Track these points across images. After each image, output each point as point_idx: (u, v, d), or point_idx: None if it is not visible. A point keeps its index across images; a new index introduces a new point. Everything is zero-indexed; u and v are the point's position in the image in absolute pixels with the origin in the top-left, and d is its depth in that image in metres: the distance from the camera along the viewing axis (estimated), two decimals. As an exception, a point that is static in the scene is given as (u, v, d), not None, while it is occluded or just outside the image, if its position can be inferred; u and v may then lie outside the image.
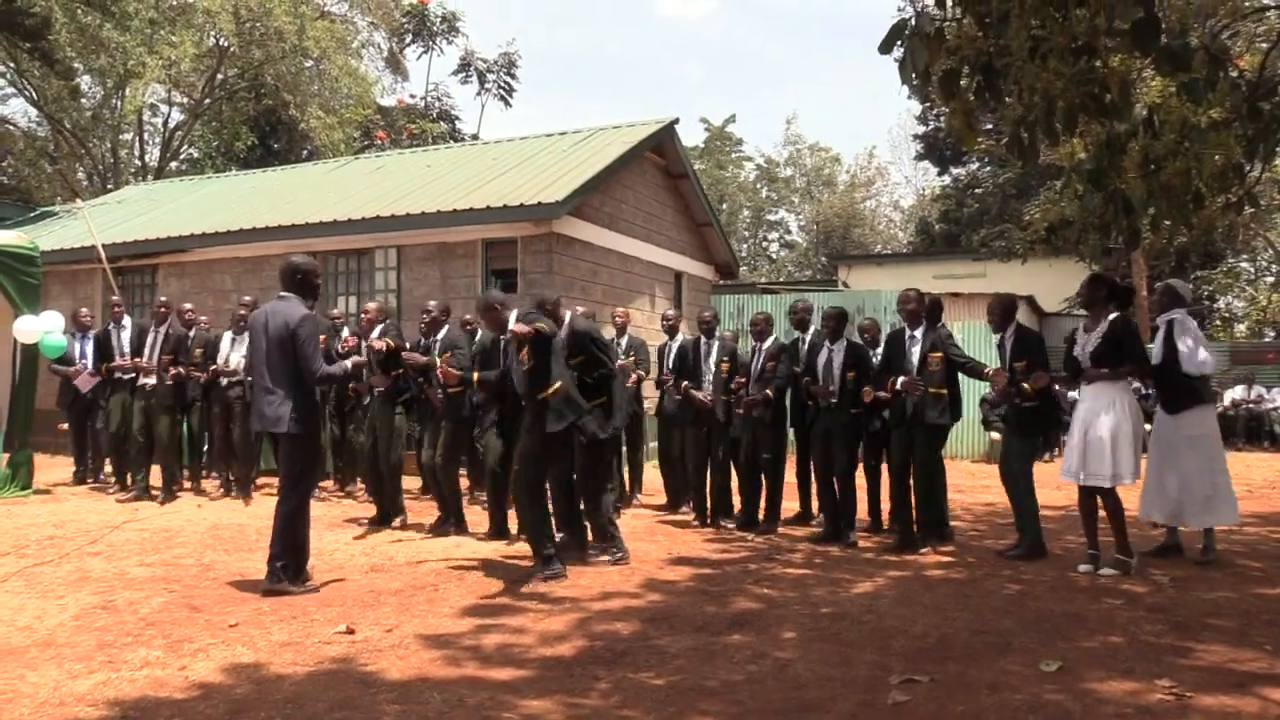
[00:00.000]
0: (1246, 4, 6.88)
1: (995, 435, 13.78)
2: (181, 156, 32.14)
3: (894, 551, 7.11)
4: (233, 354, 9.34)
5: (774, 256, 50.21)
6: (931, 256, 26.88)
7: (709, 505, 8.36)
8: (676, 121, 14.37)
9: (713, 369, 8.27)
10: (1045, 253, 18.69)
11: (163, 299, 10.20)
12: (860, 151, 71.95)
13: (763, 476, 8.08)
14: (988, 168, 29.58)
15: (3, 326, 9.74)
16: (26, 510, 8.85)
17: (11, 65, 28.45)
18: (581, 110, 73.17)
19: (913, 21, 4.46)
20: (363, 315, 8.48)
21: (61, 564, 6.56)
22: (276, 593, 5.59)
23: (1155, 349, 6.70)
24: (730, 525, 8.16)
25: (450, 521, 7.76)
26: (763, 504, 8.13)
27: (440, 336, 7.75)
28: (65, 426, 10.85)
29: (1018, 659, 4.40)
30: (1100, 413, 6.25)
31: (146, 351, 9.42)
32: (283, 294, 5.75)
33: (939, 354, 7.07)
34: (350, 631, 4.85)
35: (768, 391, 7.81)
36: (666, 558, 6.91)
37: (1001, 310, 7.00)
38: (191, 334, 9.55)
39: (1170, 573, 6.33)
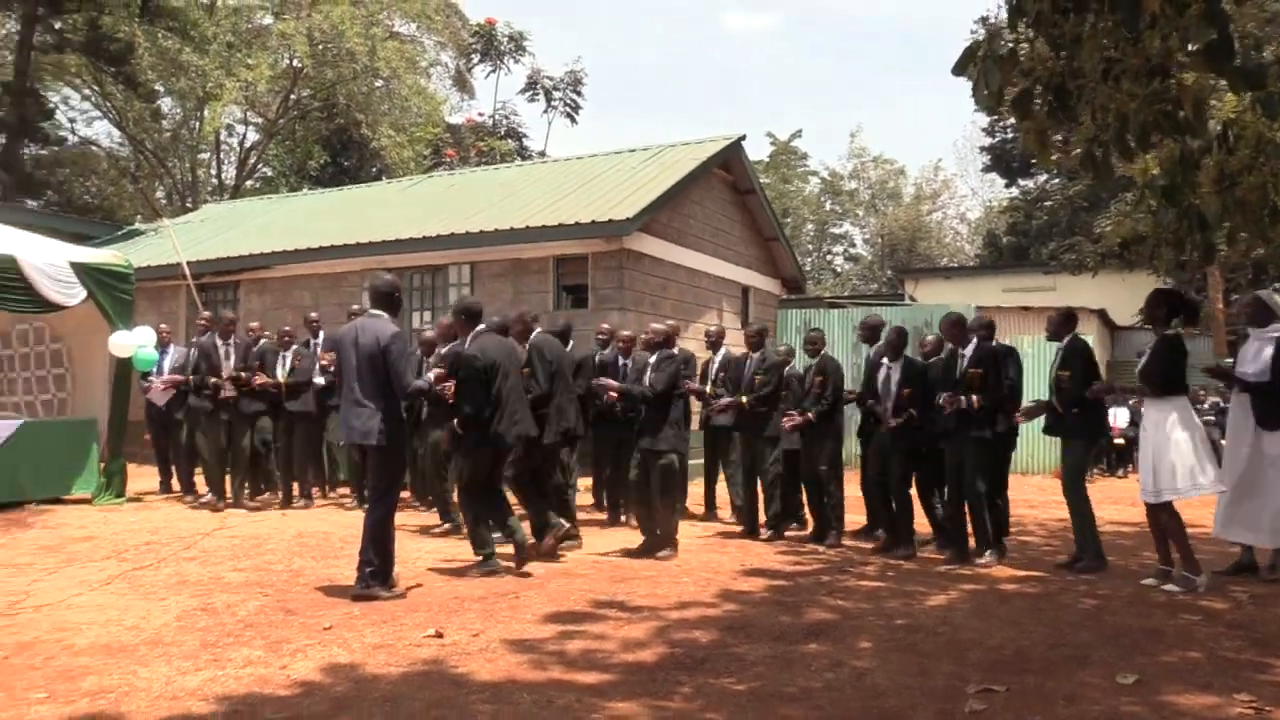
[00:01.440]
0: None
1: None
2: (256, 175, 33.10)
3: (949, 562, 7.18)
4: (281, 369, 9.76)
5: (838, 270, 49.99)
6: (1000, 269, 26.60)
7: (759, 517, 8.55)
8: (744, 138, 14.53)
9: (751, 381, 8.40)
10: (1118, 266, 18.45)
11: (227, 314, 10.57)
12: (926, 164, 71.46)
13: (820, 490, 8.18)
14: (1056, 180, 29.22)
15: (100, 341, 10.18)
16: (122, 517, 9.25)
17: (96, 89, 29.63)
18: (645, 126, 73.71)
19: (986, 44, 4.56)
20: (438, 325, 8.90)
21: (160, 568, 6.88)
22: (366, 597, 5.81)
23: (1251, 360, 6.56)
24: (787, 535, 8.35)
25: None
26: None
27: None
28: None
29: (1095, 672, 4.44)
30: (1161, 429, 6.24)
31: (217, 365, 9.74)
32: (372, 311, 6.01)
33: (980, 370, 7.14)
34: (439, 635, 5.05)
35: (809, 414, 7.86)
36: (739, 569, 7.03)
37: (1059, 321, 7.05)
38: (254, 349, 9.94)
39: (1249, 590, 6.29)
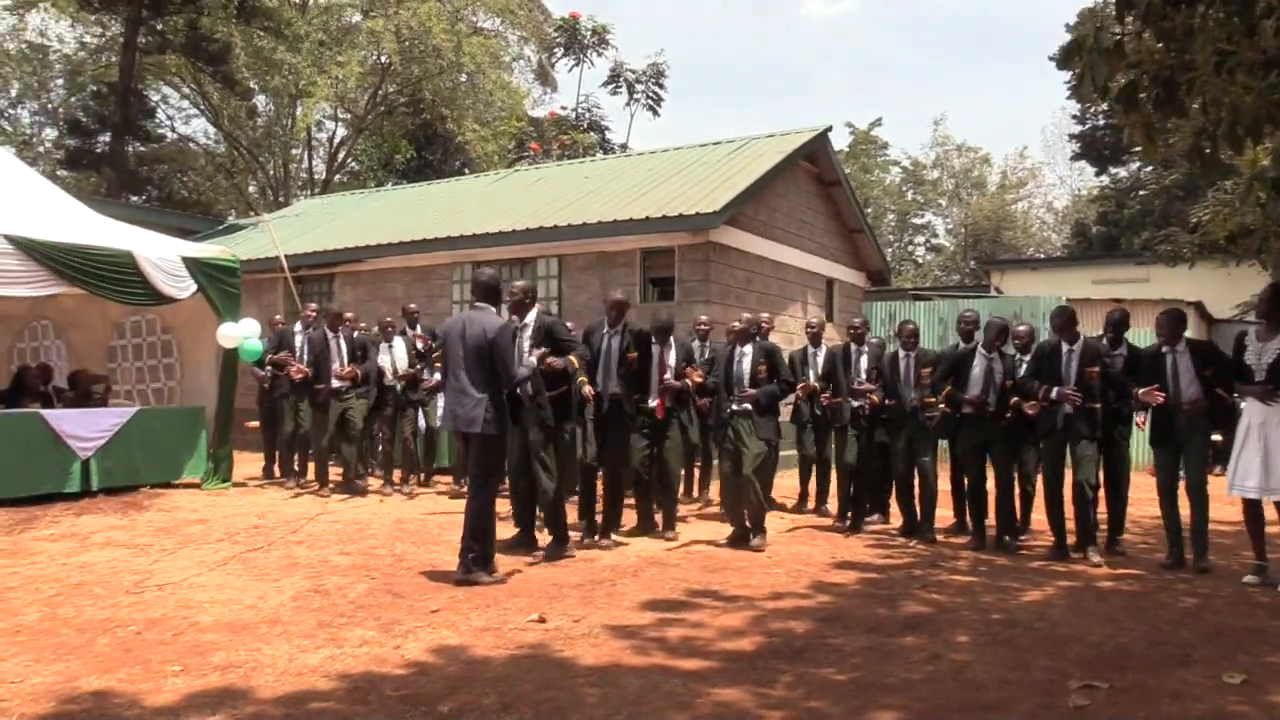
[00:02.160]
0: None
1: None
2: (344, 170, 33.90)
3: (1054, 560, 7.11)
4: (383, 359, 10.03)
5: (920, 261, 49.26)
6: (1090, 260, 25.95)
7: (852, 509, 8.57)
8: (830, 129, 14.48)
9: (863, 376, 8.39)
10: (1215, 257, 17.91)
11: (333, 307, 10.83)
12: (1011, 152, 69.95)
13: (917, 483, 8.16)
14: (1150, 169, 28.41)
15: (206, 332, 10.60)
16: (229, 501, 9.64)
17: (194, 88, 30.66)
18: (724, 115, 73.39)
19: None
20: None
21: (270, 551, 7.18)
22: (469, 582, 6.01)
23: None
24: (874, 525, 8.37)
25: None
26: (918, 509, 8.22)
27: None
28: (254, 424, 11.71)
29: (1198, 670, 4.41)
30: (1274, 425, 6.11)
31: (328, 356, 10.06)
32: (478, 304, 6.22)
33: (1096, 369, 7.04)
34: (542, 620, 5.21)
35: (935, 400, 7.81)
36: (830, 561, 7.08)
37: (1170, 324, 6.87)
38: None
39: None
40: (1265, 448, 6.15)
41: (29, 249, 8.95)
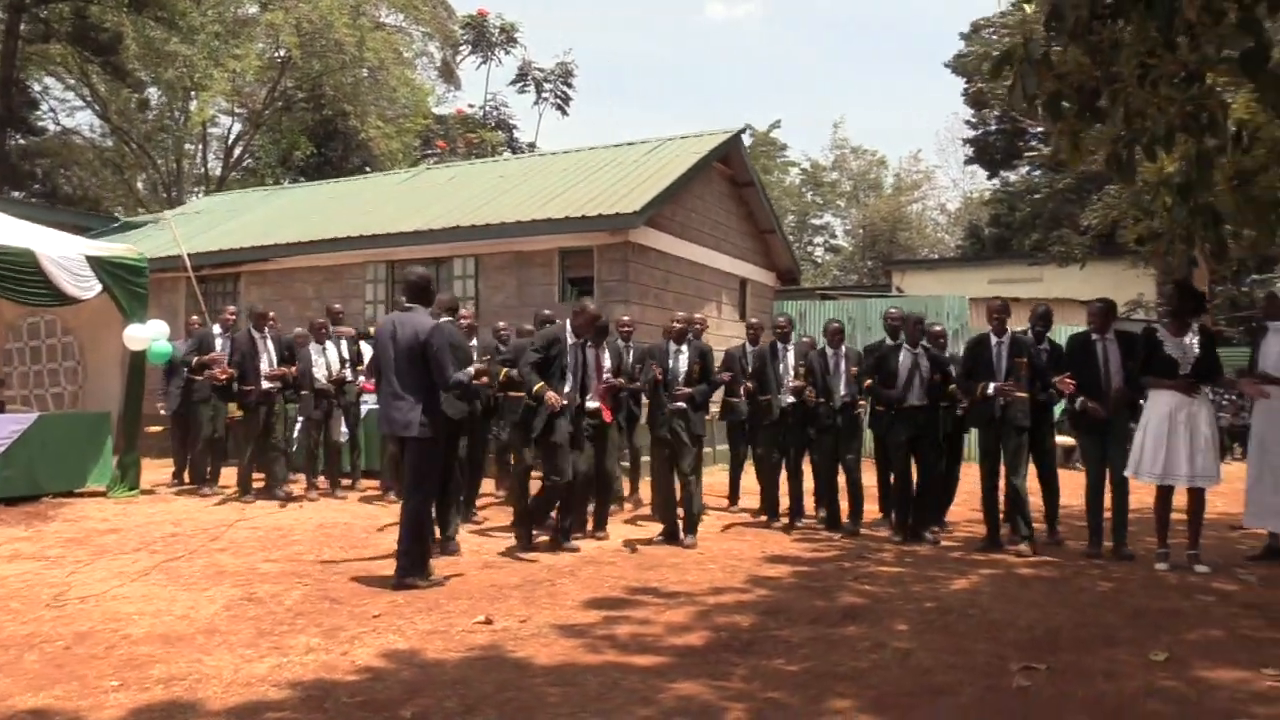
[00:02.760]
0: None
1: (1064, 439, 13.90)
2: (240, 166, 32.94)
3: (982, 551, 7.37)
4: (320, 363, 9.79)
5: (819, 261, 50.24)
6: (985, 261, 26.89)
7: (781, 506, 8.75)
8: (743, 131, 14.69)
9: (790, 374, 8.54)
10: (1103, 258, 18.75)
11: (258, 308, 10.51)
12: (905, 155, 71.90)
13: (843, 478, 8.36)
14: (1037, 171, 29.51)
15: (114, 334, 10.22)
16: (140, 510, 9.31)
17: (80, 79, 29.39)
18: (630, 115, 73.60)
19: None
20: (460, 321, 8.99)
21: (193, 559, 6.96)
22: (406, 586, 5.94)
23: (1275, 353, 6.76)
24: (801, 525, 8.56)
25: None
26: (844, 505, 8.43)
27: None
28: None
29: (1125, 650, 4.65)
30: (1197, 416, 6.45)
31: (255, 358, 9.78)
32: (408, 304, 6.13)
33: (1024, 359, 7.32)
34: (489, 621, 5.20)
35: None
36: (761, 556, 7.22)
37: (1103, 313, 7.20)
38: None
39: (1255, 572, 6.54)
40: (1190, 438, 6.46)
41: (-80, 247, 8.52)
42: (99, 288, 9.77)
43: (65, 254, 9.55)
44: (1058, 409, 8.10)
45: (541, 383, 6.86)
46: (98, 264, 9.77)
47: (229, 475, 10.25)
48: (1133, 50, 4.38)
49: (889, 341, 8.08)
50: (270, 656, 4.61)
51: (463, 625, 5.15)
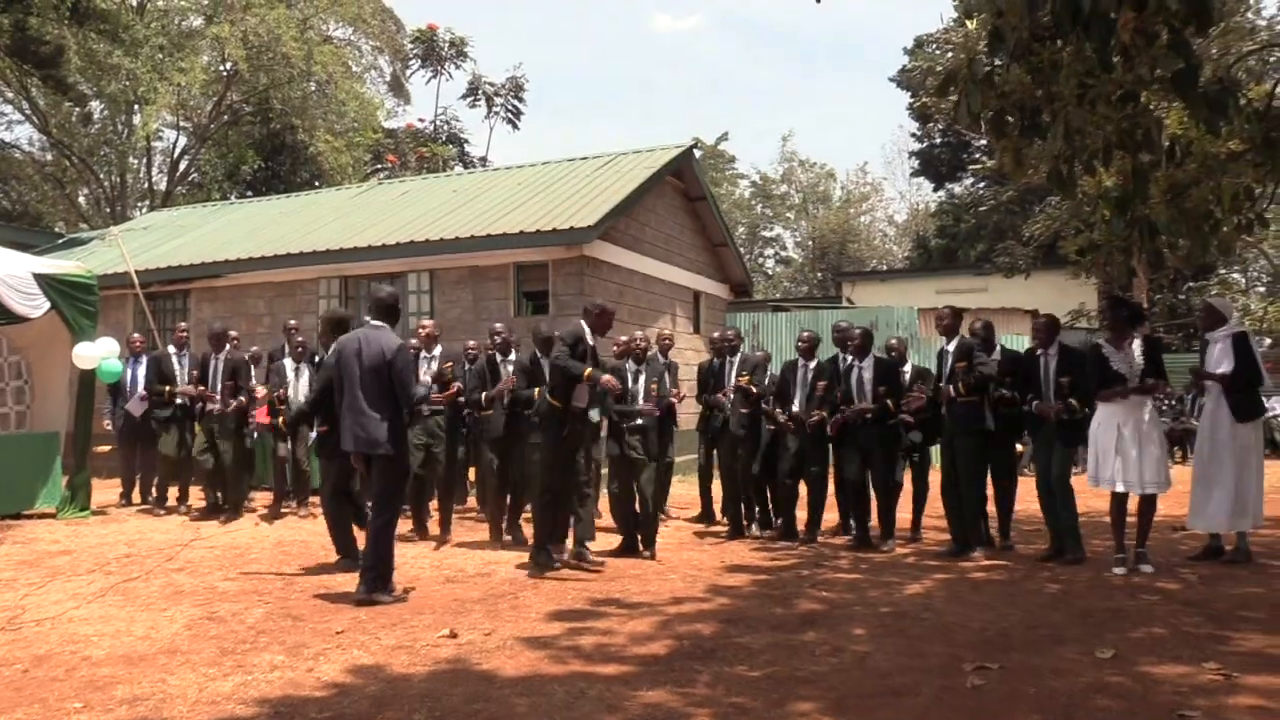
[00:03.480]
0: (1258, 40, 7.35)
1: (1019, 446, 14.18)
2: (186, 181, 32.51)
3: (947, 557, 7.52)
4: (299, 383, 9.68)
5: (770, 272, 50.74)
6: (933, 272, 27.40)
7: (744, 516, 8.87)
8: (695, 146, 14.89)
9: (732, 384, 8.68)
10: (1047, 268, 19.20)
11: (217, 326, 10.41)
12: (853, 167, 72.87)
13: (804, 489, 8.48)
14: (982, 184, 30.16)
15: (62, 353, 10.08)
16: (91, 530, 9.19)
17: (19, 91, 28.82)
18: (578, 129, 73.91)
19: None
20: (420, 330, 9.02)
21: (150, 580, 6.91)
22: (369, 602, 5.96)
23: (1218, 361, 7.00)
24: (763, 535, 8.65)
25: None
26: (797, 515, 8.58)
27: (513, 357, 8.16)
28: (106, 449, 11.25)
29: (1073, 649, 4.81)
30: (1144, 425, 6.68)
31: (211, 378, 9.72)
32: (375, 322, 6.16)
33: (963, 363, 7.51)
34: (453, 635, 5.23)
35: (868, 406, 7.99)
36: (721, 566, 7.33)
37: (1047, 329, 7.39)
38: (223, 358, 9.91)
39: (1196, 571, 6.78)
40: (1140, 446, 6.67)
41: None
42: (48, 306, 9.64)
43: (13, 271, 9.42)
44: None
45: (590, 367, 6.85)
46: (46, 281, 9.64)
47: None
48: (1071, 70, 4.57)
49: (842, 355, 8.25)
50: (235, 675, 4.60)
51: (428, 639, 5.18)
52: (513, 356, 8.46)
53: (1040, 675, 4.37)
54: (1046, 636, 5.07)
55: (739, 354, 8.90)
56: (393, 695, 4.25)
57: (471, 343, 9.72)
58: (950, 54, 17.46)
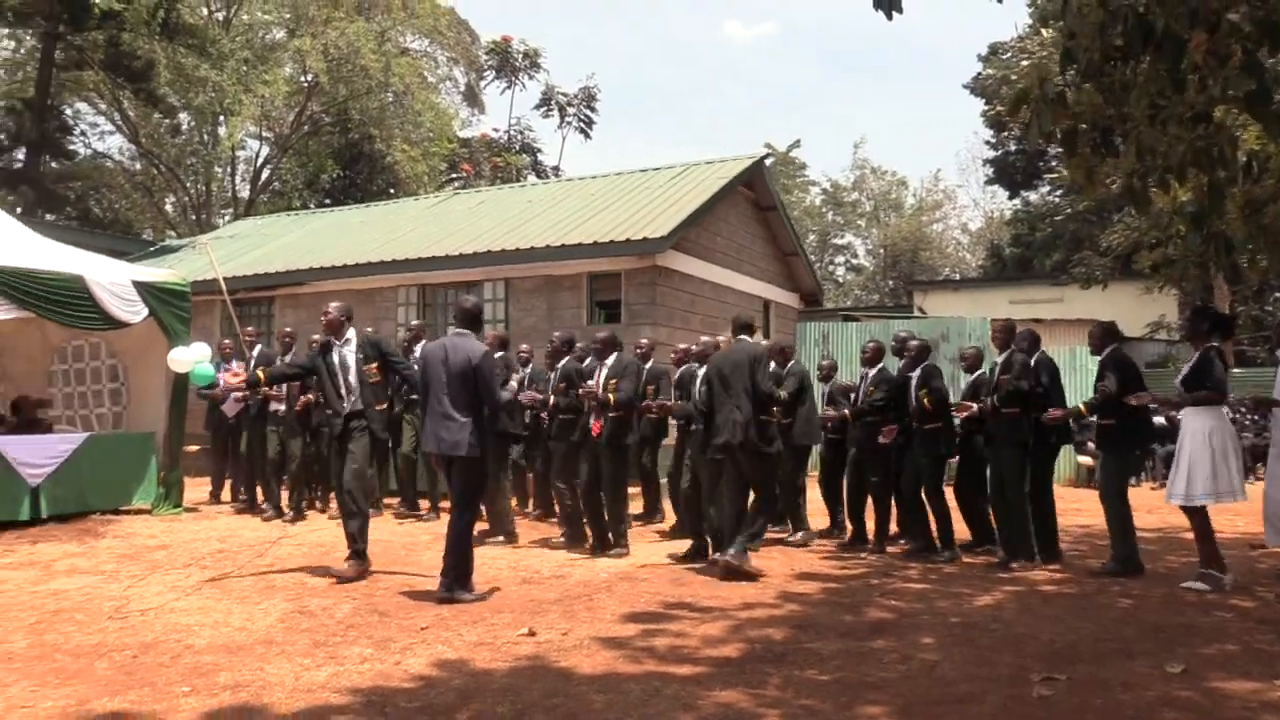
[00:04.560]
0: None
1: (1085, 459, 14.07)
2: (269, 189, 33.50)
3: (999, 568, 7.56)
4: None
5: (840, 280, 50.45)
6: (1007, 281, 27.06)
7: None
8: (767, 156, 15.06)
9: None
10: (1126, 279, 18.85)
11: (288, 329, 10.85)
12: (926, 175, 72.10)
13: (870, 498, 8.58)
14: (1059, 193, 29.69)
15: (158, 357, 10.54)
16: (185, 527, 9.62)
17: (113, 104, 30.01)
18: (649, 137, 74.26)
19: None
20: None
21: (243, 574, 7.26)
22: (450, 600, 6.21)
23: None
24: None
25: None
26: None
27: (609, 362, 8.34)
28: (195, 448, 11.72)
29: (1143, 663, 4.85)
30: (1199, 437, 6.64)
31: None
32: (459, 330, 6.45)
33: (1006, 376, 7.54)
34: (532, 634, 5.45)
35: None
36: (791, 573, 7.45)
37: (1101, 334, 7.44)
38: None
39: (1274, 589, 6.71)
40: (1190, 458, 6.64)
41: (-22, 274, 8.88)
42: (146, 312, 10.12)
43: (114, 279, 9.91)
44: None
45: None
46: (144, 289, 10.13)
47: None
48: (1143, 91, 4.63)
49: (902, 365, 8.35)
50: (327, 665, 4.87)
51: (507, 637, 5.40)
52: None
53: (1108, 688, 4.43)
54: (1116, 650, 5.11)
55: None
56: (476, 689, 4.46)
57: (524, 347, 10.05)
58: (1025, 63, 17.29)
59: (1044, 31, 12.16)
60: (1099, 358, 7.43)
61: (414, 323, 11.07)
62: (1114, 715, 4.07)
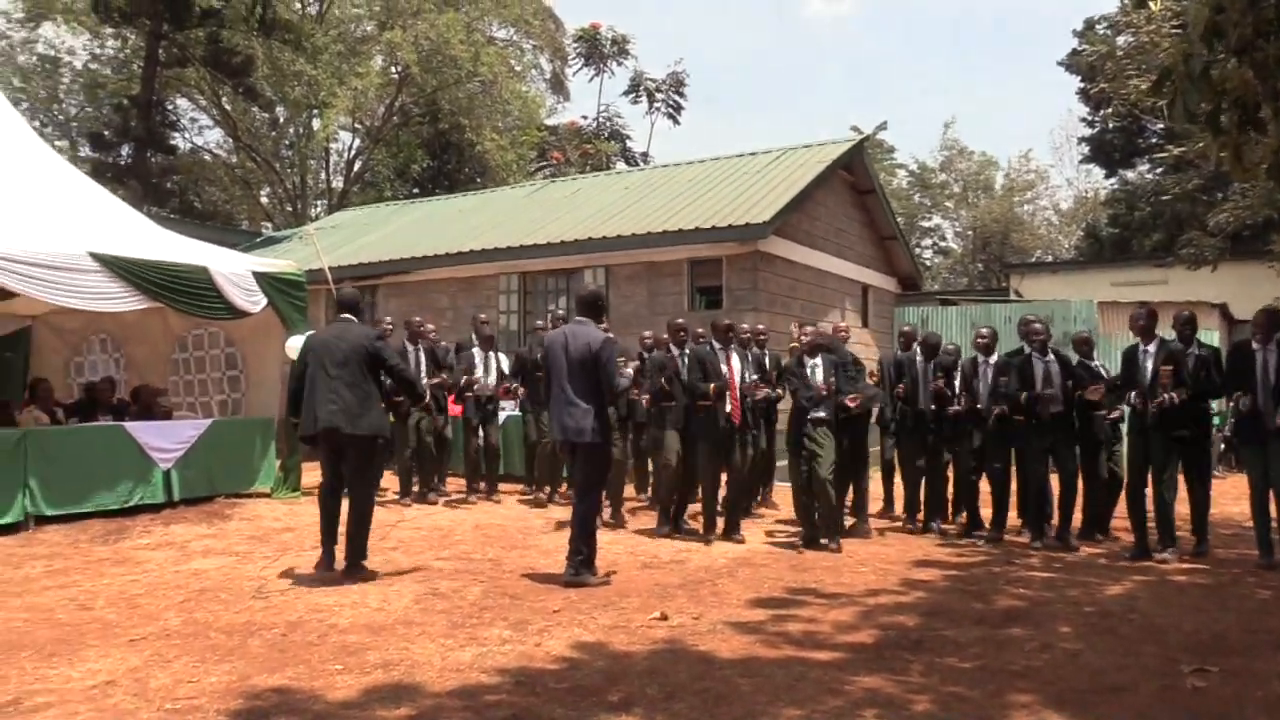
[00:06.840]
0: None
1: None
2: (361, 180, 34.20)
3: (1131, 559, 7.39)
4: (488, 369, 10.26)
5: (928, 264, 49.58)
6: (1107, 263, 26.30)
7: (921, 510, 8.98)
8: (866, 139, 14.87)
9: (928, 383, 8.72)
10: (1237, 259, 18.17)
11: (417, 319, 11.03)
12: (1015, 154, 70.41)
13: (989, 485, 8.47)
14: (1159, 170, 28.72)
15: (275, 345, 10.89)
16: (305, 509, 9.88)
17: (212, 99, 30.95)
18: (732, 118, 73.74)
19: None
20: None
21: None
22: (577, 584, 6.31)
23: None
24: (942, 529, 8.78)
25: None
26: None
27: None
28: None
29: (1297, 655, 4.73)
30: None
31: (414, 368, 10.32)
32: (579, 318, 6.54)
33: (1169, 367, 7.30)
34: (664, 618, 5.52)
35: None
36: (910, 560, 7.41)
37: (1268, 323, 7.16)
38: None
39: None
40: None
41: (113, 266, 9.23)
42: (265, 301, 10.44)
43: (235, 270, 10.24)
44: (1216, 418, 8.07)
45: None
46: (263, 279, 10.44)
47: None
48: (1300, 66, 4.46)
49: (1025, 350, 8.16)
50: (470, 646, 4.99)
51: (640, 620, 5.48)
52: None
53: (1266, 680, 4.33)
54: (1267, 642, 4.99)
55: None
56: (620, 671, 4.54)
57: (647, 333, 10.10)
58: (1123, 37, 16.71)
59: (1152, 4, 11.72)
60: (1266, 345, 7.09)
61: (480, 316, 11.11)
62: (1276, 707, 3.98)
